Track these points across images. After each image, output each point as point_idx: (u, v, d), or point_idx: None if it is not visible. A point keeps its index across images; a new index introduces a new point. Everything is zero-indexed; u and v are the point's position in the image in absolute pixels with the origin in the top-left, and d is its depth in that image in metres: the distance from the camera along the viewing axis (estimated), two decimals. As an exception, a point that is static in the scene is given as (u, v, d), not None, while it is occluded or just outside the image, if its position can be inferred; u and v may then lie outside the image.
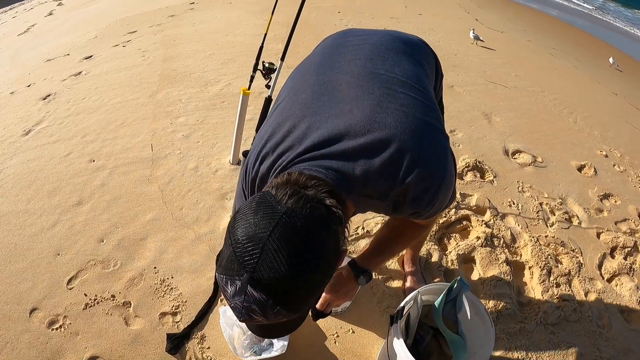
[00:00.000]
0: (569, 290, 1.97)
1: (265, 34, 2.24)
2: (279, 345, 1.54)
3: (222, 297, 1.78)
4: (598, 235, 2.36)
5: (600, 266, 2.16)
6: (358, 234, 2.11)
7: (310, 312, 1.15)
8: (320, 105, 0.91)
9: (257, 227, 0.68)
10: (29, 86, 3.83)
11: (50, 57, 4.61)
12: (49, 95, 3.48)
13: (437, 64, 1.30)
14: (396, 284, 1.92)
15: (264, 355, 1.53)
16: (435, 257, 2.02)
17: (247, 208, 0.73)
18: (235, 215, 0.74)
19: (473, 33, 5.58)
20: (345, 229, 0.82)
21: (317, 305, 1.17)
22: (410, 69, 1.01)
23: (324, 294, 1.15)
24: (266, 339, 1.56)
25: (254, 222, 0.69)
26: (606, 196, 2.69)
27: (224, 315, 1.64)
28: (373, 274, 1.17)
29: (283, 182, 0.77)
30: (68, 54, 4.58)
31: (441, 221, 2.21)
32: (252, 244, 0.67)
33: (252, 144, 1.01)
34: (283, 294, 0.67)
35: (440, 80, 1.34)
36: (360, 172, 0.84)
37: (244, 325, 1.60)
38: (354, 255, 1.68)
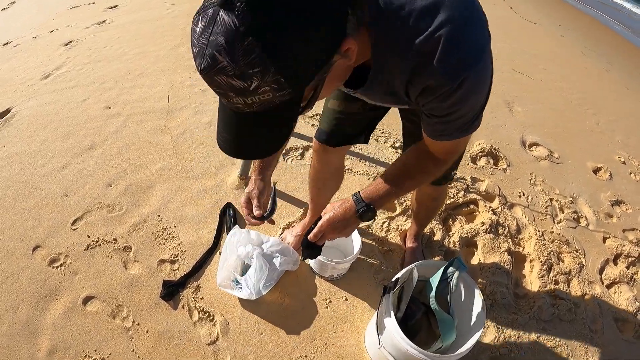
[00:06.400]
0: (566, 290, 1.95)
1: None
2: (247, 291, 1.56)
3: (221, 250, 1.80)
4: (604, 239, 2.31)
5: (601, 271, 2.12)
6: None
7: (301, 245, 1.06)
8: None
9: None
10: (52, 32, 3.83)
11: (75, 5, 4.59)
12: (70, 42, 3.48)
13: None
14: (395, 257, 1.92)
15: (229, 291, 1.59)
16: (438, 236, 2.01)
17: None
18: None
19: None
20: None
21: (310, 235, 1.02)
22: None
23: (320, 222, 1.02)
24: (248, 281, 1.58)
25: None
26: (618, 202, 2.63)
27: (229, 242, 1.68)
28: (377, 213, 1.03)
29: None
30: (93, 3, 4.55)
31: (448, 202, 2.20)
32: None
33: None
34: (260, 18, 0.57)
35: None
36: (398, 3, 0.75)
37: (240, 252, 1.63)
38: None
